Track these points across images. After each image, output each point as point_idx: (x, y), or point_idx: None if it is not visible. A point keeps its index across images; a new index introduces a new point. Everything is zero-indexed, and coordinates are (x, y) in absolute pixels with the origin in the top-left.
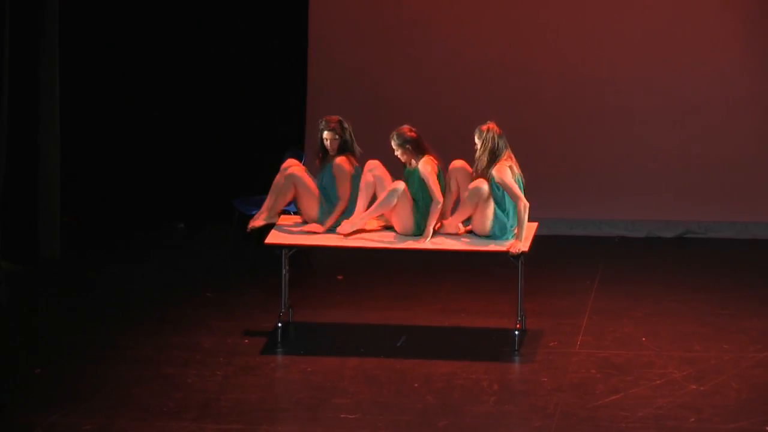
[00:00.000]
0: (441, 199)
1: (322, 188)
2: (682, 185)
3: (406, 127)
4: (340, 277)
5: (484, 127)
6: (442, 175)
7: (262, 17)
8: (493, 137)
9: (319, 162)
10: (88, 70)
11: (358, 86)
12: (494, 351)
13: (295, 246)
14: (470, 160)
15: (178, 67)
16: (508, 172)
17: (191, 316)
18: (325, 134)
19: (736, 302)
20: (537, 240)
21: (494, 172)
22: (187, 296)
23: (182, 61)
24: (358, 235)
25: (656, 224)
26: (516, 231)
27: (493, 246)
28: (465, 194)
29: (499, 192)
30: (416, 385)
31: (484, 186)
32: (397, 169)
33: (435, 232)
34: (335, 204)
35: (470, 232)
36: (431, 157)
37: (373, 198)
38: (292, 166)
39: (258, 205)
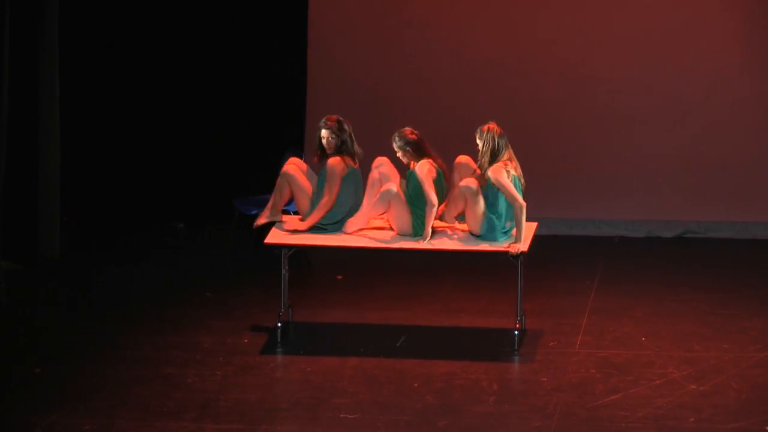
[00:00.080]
0: (435, 203)
1: (319, 187)
2: (682, 185)
3: (407, 129)
4: (339, 277)
5: (485, 128)
6: (443, 177)
7: (262, 17)
8: (494, 137)
9: (317, 160)
10: (88, 70)
11: (358, 86)
12: (494, 351)
13: (295, 246)
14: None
15: (178, 67)
16: (503, 172)
17: (191, 316)
18: (323, 132)
19: (736, 302)
20: (537, 240)
21: (490, 172)
22: (187, 296)
23: (182, 61)
24: (358, 235)
25: (656, 224)
26: (514, 232)
27: (493, 246)
28: (456, 190)
29: (493, 192)
30: (416, 385)
31: (473, 184)
32: (404, 168)
33: (434, 231)
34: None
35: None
36: (429, 160)
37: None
38: (289, 165)
39: (258, 205)
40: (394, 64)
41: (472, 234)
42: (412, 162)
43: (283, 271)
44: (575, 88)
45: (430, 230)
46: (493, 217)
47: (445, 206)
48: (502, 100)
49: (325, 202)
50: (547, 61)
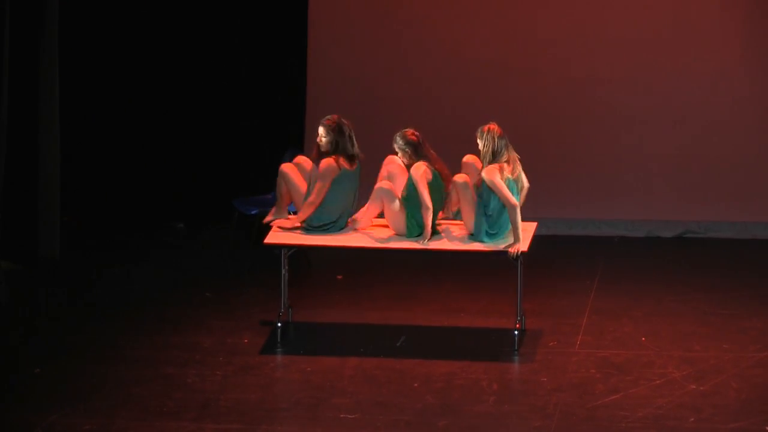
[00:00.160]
0: (429, 205)
1: (312, 186)
2: (682, 185)
3: (409, 131)
4: (339, 277)
5: (485, 128)
6: (439, 179)
7: (262, 17)
8: (494, 138)
9: (314, 159)
10: (88, 70)
11: (358, 86)
12: (494, 351)
13: (295, 246)
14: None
15: (178, 68)
16: (497, 173)
17: (191, 316)
18: (320, 130)
19: (736, 302)
20: (537, 240)
21: (483, 173)
22: (187, 296)
23: (182, 62)
24: (357, 235)
25: (656, 224)
26: (512, 234)
27: (493, 246)
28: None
29: (486, 192)
30: (416, 384)
31: (461, 180)
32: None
33: (435, 232)
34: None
35: None
36: (424, 163)
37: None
38: (286, 164)
39: (258, 205)
40: (394, 64)
41: (468, 231)
42: (412, 163)
43: (283, 271)
44: (575, 88)
45: (429, 231)
46: (483, 217)
47: (446, 203)
48: (502, 100)
49: (311, 201)
50: (547, 61)
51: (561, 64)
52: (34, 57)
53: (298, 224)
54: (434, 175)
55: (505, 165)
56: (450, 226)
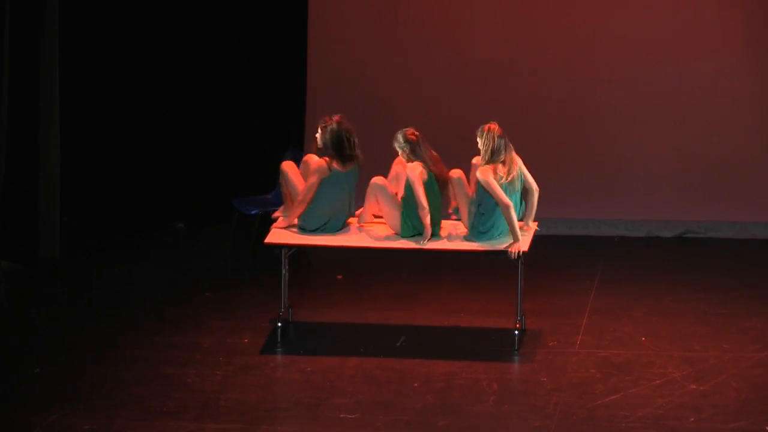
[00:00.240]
0: (425, 205)
1: None
2: (682, 185)
3: (410, 130)
4: (339, 277)
5: (485, 128)
6: (434, 181)
7: (262, 17)
8: (494, 137)
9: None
10: (88, 70)
11: (358, 86)
12: (494, 351)
13: (295, 246)
14: (469, 159)
15: (178, 68)
16: (490, 173)
17: (191, 316)
18: (318, 129)
19: (736, 302)
20: (537, 240)
21: (478, 173)
22: (187, 296)
23: (182, 62)
24: (357, 235)
25: (656, 224)
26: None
27: (493, 246)
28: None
29: (481, 192)
30: (416, 384)
31: (456, 176)
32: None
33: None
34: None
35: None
36: (419, 163)
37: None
38: (285, 162)
39: (258, 205)
40: (394, 64)
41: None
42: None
43: (283, 271)
44: (575, 88)
45: (429, 231)
46: (477, 216)
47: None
48: (502, 100)
49: (299, 200)
50: (547, 61)
51: (561, 64)
52: (34, 57)
53: (294, 222)
54: (429, 177)
55: (500, 166)
56: (450, 226)
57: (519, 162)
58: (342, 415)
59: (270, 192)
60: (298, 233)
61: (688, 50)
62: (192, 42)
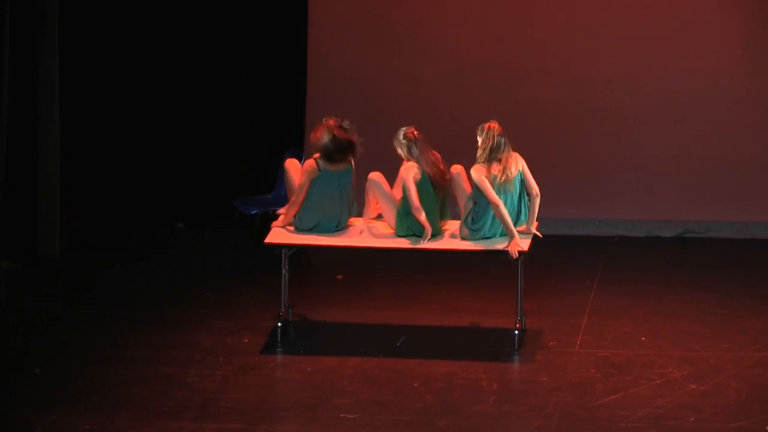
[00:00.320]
0: (417, 204)
1: None
2: (682, 185)
3: (410, 129)
4: (339, 277)
5: (486, 126)
6: (427, 182)
7: (262, 17)
8: (494, 135)
9: None
10: (88, 70)
11: (358, 86)
12: (494, 351)
13: (295, 246)
14: (469, 158)
15: (178, 68)
16: (483, 172)
17: (191, 316)
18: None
19: (736, 302)
20: (537, 240)
21: (471, 171)
22: (187, 296)
23: (182, 62)
24: (357, 235)
25: (656, 224)
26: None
27: (493, 246)
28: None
29: (475, 190)
30: (416, 384)
31: (455, 172)
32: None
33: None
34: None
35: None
36: (414, 164)
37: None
38: (288, 160)
39: (257, 205)
40: (393, 64)
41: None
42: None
43: (283, 271)
44: (575, 88)
45: (429, 230)
46: (473, 215)
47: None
48: (502, 100)
49: (292, 200)
50: (546, 61)
51: (561, 64)
52: (34, 57)
53: (290, 221)
54: (423, 177)
55: (495, 164)
56: (454, 226)
57: (521, 163)
58: (342, 415)
59: (270, 192)
60: (294, 232)
61: (688, 50)
62: (192, 42)
